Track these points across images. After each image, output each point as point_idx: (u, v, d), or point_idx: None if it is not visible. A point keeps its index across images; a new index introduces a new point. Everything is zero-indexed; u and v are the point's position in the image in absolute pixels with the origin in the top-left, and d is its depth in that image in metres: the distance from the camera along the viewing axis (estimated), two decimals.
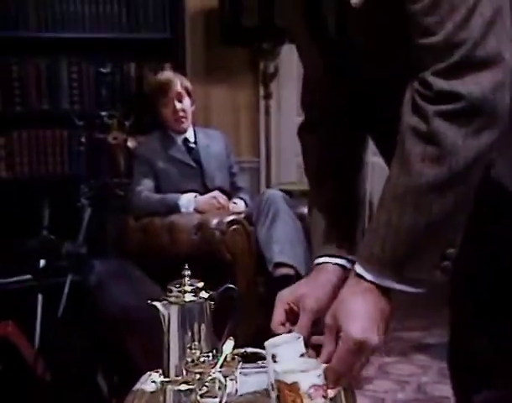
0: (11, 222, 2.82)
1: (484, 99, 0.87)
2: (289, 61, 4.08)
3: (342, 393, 1.19)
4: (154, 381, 1.44)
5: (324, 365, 1.00)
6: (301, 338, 1.06)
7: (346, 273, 1.14)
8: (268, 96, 3.86)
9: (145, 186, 2.97)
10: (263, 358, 1.32)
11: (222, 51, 3.86)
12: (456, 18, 0.87)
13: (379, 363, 2.94)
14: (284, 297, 1.16)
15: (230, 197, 3.05)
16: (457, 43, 0.87)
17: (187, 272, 1.39)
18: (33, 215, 2.54)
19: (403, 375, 2.83)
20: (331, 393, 1.01)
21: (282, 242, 2.78)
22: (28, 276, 2.48)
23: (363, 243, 1.02)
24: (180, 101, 3.04)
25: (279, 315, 1.14)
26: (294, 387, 0.97)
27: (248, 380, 1.38)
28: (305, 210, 3.01)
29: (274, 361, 1.06)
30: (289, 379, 0.98)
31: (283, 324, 1.14)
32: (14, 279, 2.51)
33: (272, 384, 1.05)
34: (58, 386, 2.33)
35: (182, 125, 3.06)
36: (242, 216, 2.85)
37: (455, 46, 0.87)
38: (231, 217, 2.76)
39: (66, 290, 2.38)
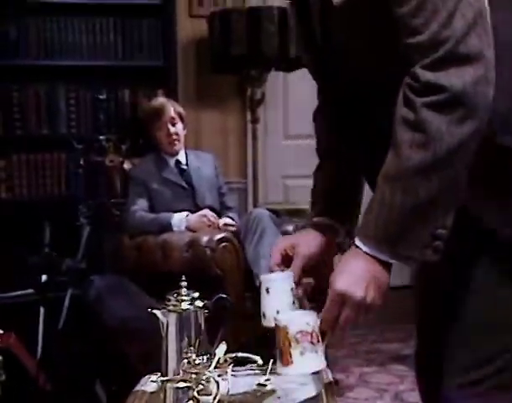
0: (14, 240, 2.86)
1: (465, 91, 0.94)
2: (275, 88, 4.22)
3: (324, 395, 1.32)
4: (153, 381, 1.59)
5: (314, 314, 1.09)
6: (292, 275, 1.17)
7: (336, 234, 1.26)
8: (255, 120, 3.91)
9: (139, 206, 3.00)
10: (252, 361, 1.47)
11: (212, 78, 3.93)
12: (439, 19, 0.95)
13: (360, 373, 3.04)
14: (281, 244, 1.28)
15: (220, 216, 3.08)
16: (441, 40, 0.94)
17: (184, 283, 1.53)
18: (34, 233, 2.63)
19: (382, 384, 2.92)
20: (318, 340, 1.09)
21: (269, 258, 2.81)
22: (31, 290, 2.57)
23: (362, 218, 1.09)
24: (174, 125, 3.11)
25: (275, 257, 1.26)
26: (283, 330, 1.07)
27: (239, 381, 1.49)
28: (290, 228, 3.08)
29: (268, 293, 1.17)
30: (280, 323, 1.08)
31: (278, 265, 1.25)
32: (17, 293, 2.60)
33: (263, 314, 1.17)
34: (58, 396, 2.39)
35: (175, 147, 3.12)
36: (232, 233, 2.85)
37: (439, 43, 0.94)
38: (220, 235, 2.75)
39: (67, 303, 2.48)
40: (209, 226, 2.94)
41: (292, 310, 1.15)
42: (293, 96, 4.31)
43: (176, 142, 3.11)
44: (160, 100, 3.24)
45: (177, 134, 3.12)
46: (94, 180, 2.85)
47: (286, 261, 1.26)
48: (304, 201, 3.49)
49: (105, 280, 2.58)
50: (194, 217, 2.96)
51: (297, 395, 1.48)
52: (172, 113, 3.12)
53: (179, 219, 2.94)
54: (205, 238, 2.72)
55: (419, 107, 0.96)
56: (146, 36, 3.58)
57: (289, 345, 1.07)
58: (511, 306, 1.12)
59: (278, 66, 3.85)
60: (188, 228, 2.93)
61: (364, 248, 1.03)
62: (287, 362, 1.11)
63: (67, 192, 3.22)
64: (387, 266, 1.04)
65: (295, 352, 1.08)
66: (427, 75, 0.95)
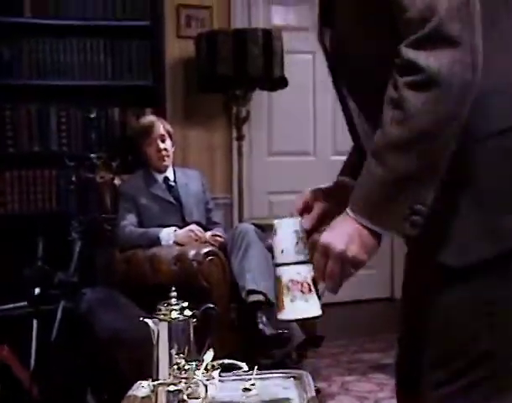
0: (8, 254, 2.90)
1: (440, 73, 0.99)
2: (260, 106, 4.29)
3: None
4: (144, 387, 1.67)
5: (308, 266, 1.17)
6: (299, 220, 1.22)
7: None
8: (240, 138, 3.95)
9: (129, 221, 3.05)
10: (238, 368, 1.57)
11: (199, 97, 3.99)
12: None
13: (342, 382, 3.13)
14: (306, 194, 1.31)
15: (206, 231, 3.13)
16: (426, 18, 0.98)
17: (174, 293, 1.62)
18: (28, 247, 2.66)
19: (362, 392, 3.01)
20: (310, 290, 1.17)
21: (254, 271, 2.85)
22: (24, 303, 2.58)
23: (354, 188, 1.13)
24: (163, 141, 3.20)
25: (297, 204, 1.30)
26: (278, 279, 1.17)
27: (226, 386, 1.58)
28: None
29: (275, 234, 1.24)
30: (276, 273, 1.18)
31: (298, 211, 1.29)
32: (11, 305, 2.62)
33: (272, 254, 1.23)
34: None
35: (164, 163, 3.19)
36: (218, 247, 2.91)
37: (425, 20, 0.98)
38: (207, 249, 2.80)
39: (59, 315, 2.50)
40: (196, 240, 3.00)
41: (295, 250, 1.20)
42: (277, 114, 4.41)
43: (166, 158, 3.19)
44: (150, 118, 3.33)
45: (166, 150, 3.19)
46: (85, 196, 2.90)
47: (308, 209, 1.31)
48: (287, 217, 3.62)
49: (96, 293, 2.62)
50: (182, 232, 3.02)
51: (278, 396, 1.61)
52: (161, 130, 3.21)
53: (167, 233, 3.00)
54: (192, 252, 2.78)
55: (400, 87, 1.02)
56: (135, 56, 3.65)
57: (282, 292, 1.17)
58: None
59: (262, 86, 3.92)
60: (176, 243, 2.99)
61: (351, 214, 1.08)
62: (280, 308, 1.20)
63: (59, 208, 3.26)
64: (375, 234, 1.09)
65: (286, 299, 1.18)
66: (409, 54, 1.00)
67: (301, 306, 1.17)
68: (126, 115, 3.61)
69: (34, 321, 2.51)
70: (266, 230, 3.24)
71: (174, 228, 3.03)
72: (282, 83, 3.86)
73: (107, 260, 2.88)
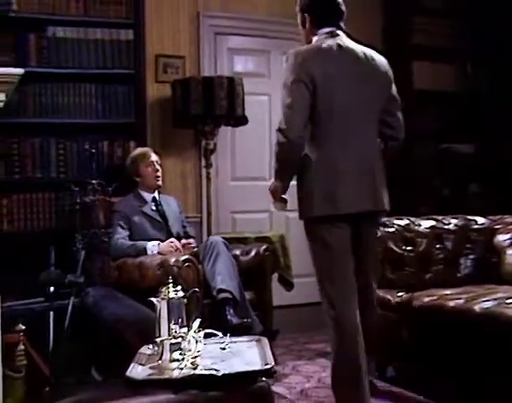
0: (25, 262, 3.18)
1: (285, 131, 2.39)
2: (225, 140, 4.69)
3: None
4: (149, 348, 2.17)
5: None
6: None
7: None
8: (208, 166, 4.22)
9: (121, 235, 3.39)
10: (215, 335, 2.15)
11: (174, 132, 4.35)
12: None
13: (293, 365, 3.54)
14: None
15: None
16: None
17: (171, 282, 2.19)
18: (42, 256, 3.07)
19: (309, 373, 3.38)
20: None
21: (222, 274, 3.18)
22: (42, 299, 2.93)
23: None
24: (157, 164, 3.63)
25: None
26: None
27: (207, 347, 2.16)
28: (238, 251, 3.57)
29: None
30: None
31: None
32: (31, 301, 2.95)
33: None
34: (60, 381, 2.74)
35: (158, 182, 3.59)
36: (193, 255, 3.22)
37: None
38: (184, 257, 3.10)
39: (70, 309, 2.90)
40: (176, 250, 3.39)
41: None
42: (239, 146, 4.80)
43: (159, 178, 3.59)
44: (145, 148, 3.73)
45: (160, 172, 3.61)
46: (87, 215, 3.30)
47: None
48: (248, 231, 4.17)
49: (98, 290, 3.04)
50: (164, 244, 3.40)
51: (245, 352, 2.16)
52: (154, 157, 3.63)
53: (152, 245, 3.39)
54: (172, 260, 3.08)
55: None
56: (121, 98, 3.96)
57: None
58: None
59: (227, 123, 4.29)
60: (159, 253, 3.35)
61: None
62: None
63: (60, 224, 3.62)
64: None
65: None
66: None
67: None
68: (113, 147, 3.94)
69: (50, 314, 2.88)
70: (231, 242, 3.64)
71: (157, 242, 3.41)
72: (243, 120, 4.24)
73: (102, 265, 3.25)
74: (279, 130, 2.37)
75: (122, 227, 3.46)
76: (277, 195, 2.53)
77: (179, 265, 3.06)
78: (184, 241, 3.52)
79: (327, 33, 2.50)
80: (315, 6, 2.51)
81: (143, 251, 3.38)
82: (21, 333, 2.71)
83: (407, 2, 5.17)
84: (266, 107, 4.90)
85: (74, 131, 3.88)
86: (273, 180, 2.53)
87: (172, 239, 3.47)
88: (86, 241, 3.14)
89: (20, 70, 1.71)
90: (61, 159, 3.86)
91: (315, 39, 2.52)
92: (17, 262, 3.21)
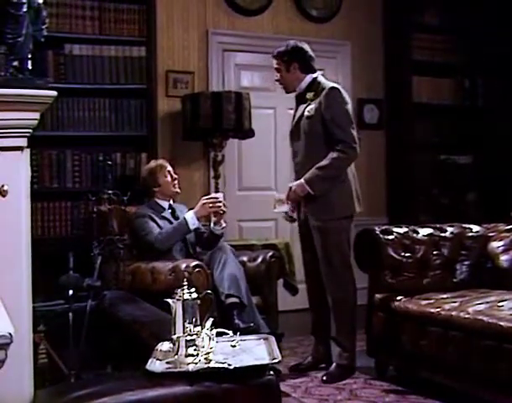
0: (46, 267, 3.24)
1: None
2: (232, 152, 4.81)
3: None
4: (165, 344, 2.33)
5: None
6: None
7: None
8: (216, 176, 4.32)
9: (157, 230, 3.37)
10: (226, 333, 2.27)
11: (184, 144, 4.47)
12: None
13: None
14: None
15: (195, 251, 3.52)
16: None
17: (185, 285, 2.33)
18: (62, 261, 3.16)
19: (313, 373, 3.48)
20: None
21: (230, 280, 3.20)
22: (62, 301, 3.05)
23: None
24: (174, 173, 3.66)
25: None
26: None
27: (219, 344, 2.26)
28: (245, 258, 3.65)
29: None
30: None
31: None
32: (52, 303, 3.09)
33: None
34: (77, 379, 2.85)
35: (176, 189, 3.60)
36: (202, 261, 3.23)
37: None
38: (195, 263, 3.10)
39: (88, 310, 3.00)
40: (211, 208, 3.41)
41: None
42: (245, 158, 4.92)
43: (177, 185, 3.62)
44: (160, 159, 3.78)
45: (177, 180, 3.62)
46: (103, 223, 3.42)
47: None
48: (254, 239, 4.30)
49: (114, 293, 3.16)
50: (198, 207, 3.41)
51: (254, 349, 2.30)
52: (170, 167, 3.67)
53: (190, 216, 3.39)
54: (183, 265, 3.11)
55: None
56: (133, 112, 4.12)
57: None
58: None
59: (234, 135, 4.41)
60: (198, 218, 3.40)
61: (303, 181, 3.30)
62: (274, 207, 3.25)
63: (75, 232, 3.77)
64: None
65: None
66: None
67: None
68: (125, 159, 4.09)
69: (70, 315, 2.96)
70: (238, 249, 3.73)
71: (192, 211, 3.42)
72: (250, 133, 4.36)
73: (116, 270, 3.36)
74: (352, 147, 3.23)
75: (153, 226, 3.46)
76: (299, 198, 3.26)
77: (190, 271, 3.13)
78: (213, 194, 3.56)
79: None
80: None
81: (186, 226, 3.41)
82: (42, 334, 2.84)
83: (407, 19, 5.36)
84: (272, 120, 5.01)
85: (89, 143, 4.05)
86: (299, 183, 3.28)
87: (202, 199, 3.53)
88: (102, 247, 3.22)
89: (54, 93, 1.85)
90: (76, 169, 4.02)
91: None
92: (37, 267, 3.32)
